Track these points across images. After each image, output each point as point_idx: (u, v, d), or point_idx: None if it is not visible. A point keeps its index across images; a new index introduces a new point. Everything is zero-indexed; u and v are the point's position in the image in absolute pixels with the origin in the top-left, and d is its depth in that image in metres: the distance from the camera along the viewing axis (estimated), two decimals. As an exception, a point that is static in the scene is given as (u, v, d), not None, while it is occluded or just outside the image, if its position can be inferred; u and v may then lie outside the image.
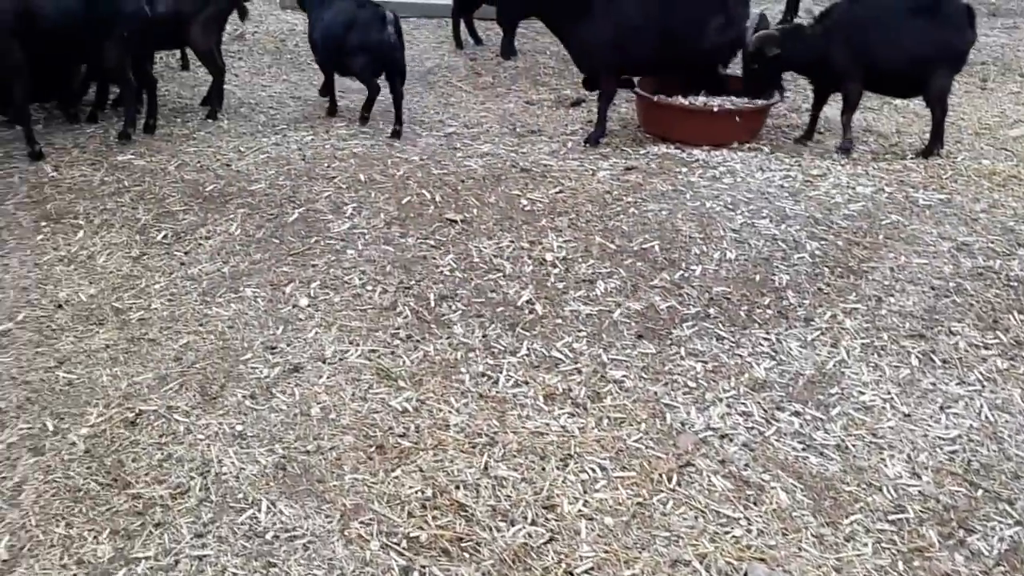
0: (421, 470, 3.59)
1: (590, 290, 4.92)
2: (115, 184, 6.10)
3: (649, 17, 6.53)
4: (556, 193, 5.96)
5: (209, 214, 5.77)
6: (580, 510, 3.40)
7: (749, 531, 3.33)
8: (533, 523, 3.34)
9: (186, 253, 5.34)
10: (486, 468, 3.60)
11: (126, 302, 4.81)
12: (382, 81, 7.13)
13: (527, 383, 4.17)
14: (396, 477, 3.55)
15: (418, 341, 4.47)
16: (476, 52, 9.67)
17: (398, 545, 3.21)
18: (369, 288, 4.95)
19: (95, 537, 3.23)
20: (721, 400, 4.07)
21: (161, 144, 6.77)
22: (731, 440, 3.81)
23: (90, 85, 7.45)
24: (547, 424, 3.90)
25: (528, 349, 4.42)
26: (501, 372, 4.24)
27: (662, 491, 3.51)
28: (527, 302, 4.80)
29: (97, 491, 3.43)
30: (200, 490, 3.44)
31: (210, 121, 7.39)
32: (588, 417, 3.96)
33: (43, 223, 5.63)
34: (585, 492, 3.50)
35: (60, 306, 4.74)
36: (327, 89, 7.59)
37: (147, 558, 3.13)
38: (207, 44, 7.29)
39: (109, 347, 4.39)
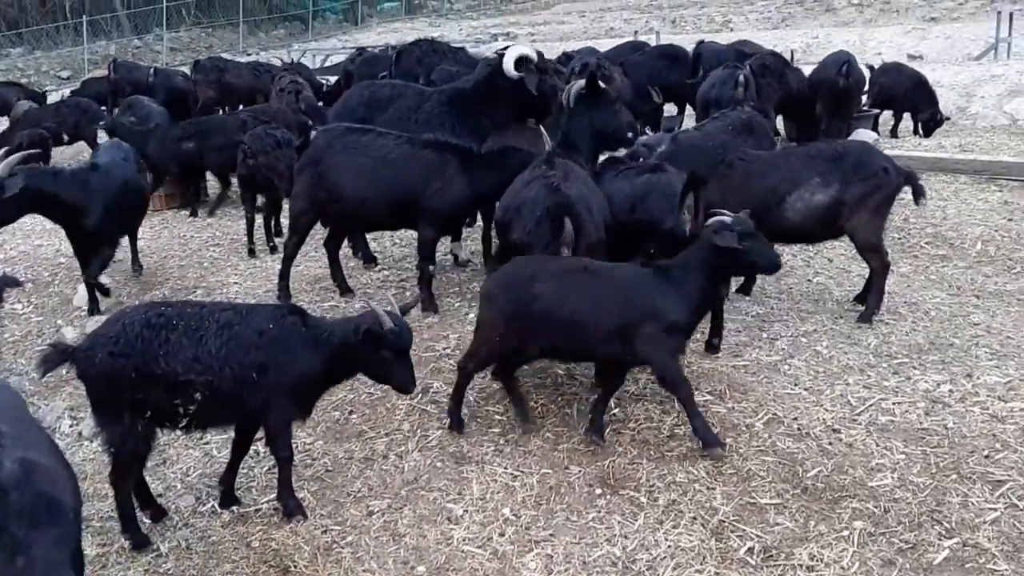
0: None
1: None
2: (686, 439, 4.72)
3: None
4: None
5: (811, 519, 4.07)
6: None
7: None
8: None
9: (779, 590, 3.70)
10: None
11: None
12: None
13: None
14: None
15: None
16: None
17: None
18: None
19: None
20: None
21: (749, 380, 5.28)
22: None
23: None
24: None
25: None
26: None
27: None
28: None
29: None
30: None
31: (810, 341, 5.79)
32: None
33: (598, 490, 4.43)
34: None
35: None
36: None
37: None
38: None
39: None
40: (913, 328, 6.01)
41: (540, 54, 7.34)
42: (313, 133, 7.18)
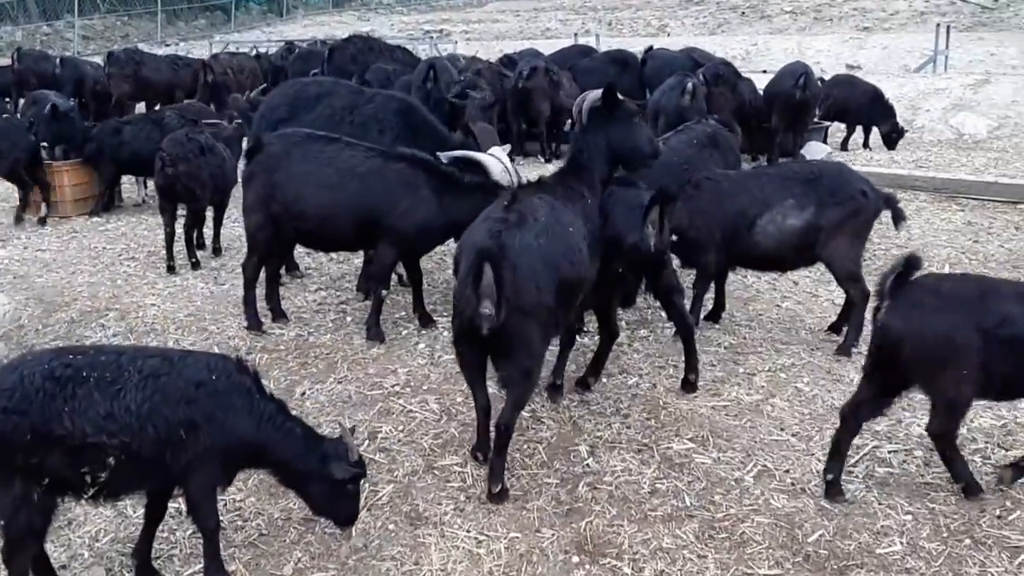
0: None
1: None
2: (671, 496, 4.24)
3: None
4: None
5: (818, 596, 3.63)
6: None
7: None
8: None
9: None
10: None
11: None
12: None
13: None
14: None
15: None
16: None
17: None
18: None
19: None
20: None
21: (731, 425, 4.83)
22: None
23: None
24: None
25: None
26: None
27: None
28: None
29: None
30: None
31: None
32: None
33: (575, 558, 3.90)
34: None
35: None
36: None
37: None
38: None
39: None
40: (893, 361, 5.64)
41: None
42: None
